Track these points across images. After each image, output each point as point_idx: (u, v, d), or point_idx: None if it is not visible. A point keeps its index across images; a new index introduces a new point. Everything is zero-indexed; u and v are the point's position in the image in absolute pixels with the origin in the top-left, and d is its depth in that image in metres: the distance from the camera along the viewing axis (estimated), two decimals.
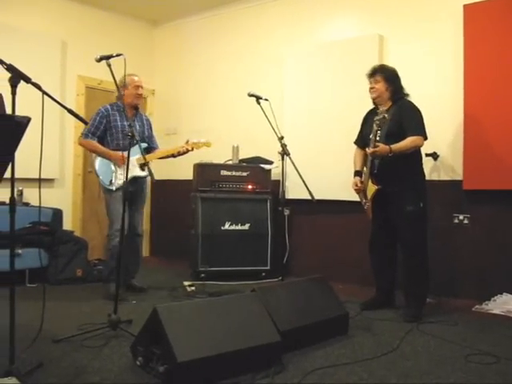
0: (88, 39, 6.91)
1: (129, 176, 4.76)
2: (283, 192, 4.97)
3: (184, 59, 7.48)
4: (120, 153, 4.86)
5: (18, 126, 2.19)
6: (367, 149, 4.29)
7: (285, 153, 4.68)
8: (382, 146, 4.16)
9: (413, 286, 4.36)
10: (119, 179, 4.88)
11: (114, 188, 4.88)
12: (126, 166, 4.02)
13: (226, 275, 5.75)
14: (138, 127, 5.01)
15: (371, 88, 4.48)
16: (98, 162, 4.97)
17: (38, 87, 2.51)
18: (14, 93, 2.40)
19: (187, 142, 5.05)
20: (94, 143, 4.96)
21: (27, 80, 2.48)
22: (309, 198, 4.54)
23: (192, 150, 5.03)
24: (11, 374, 2.64)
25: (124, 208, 3.85)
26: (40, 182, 2.79)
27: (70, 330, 3.72)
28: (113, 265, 4.86)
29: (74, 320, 4.06)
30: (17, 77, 2.43)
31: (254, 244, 5.94)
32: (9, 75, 2.47)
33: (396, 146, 4.18)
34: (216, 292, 5.08)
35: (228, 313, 3.14)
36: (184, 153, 5.02)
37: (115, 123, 4.97)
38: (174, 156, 5.06)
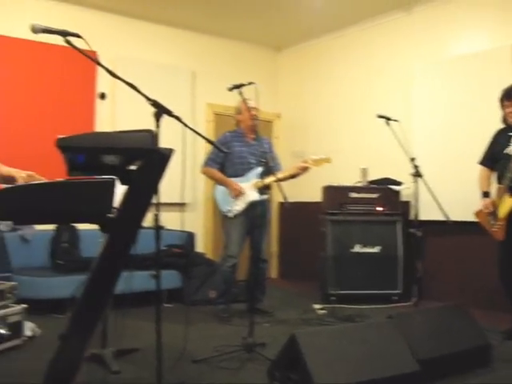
0: (215, 68, 7.20)
1: (246, 201, 4.89)
2: (416, 214, 4.83)
3: (308, 82, 7.54)
4: (237, 184, 4.94)
5: (163, 158, 2.30)
6: None
7: (418, 174, 4.57)
8: None
9: None
10: (237, 206, 4.95)
11: (231, 215, 4.98)
12: (241, 196, 4.05)
13: (357, 298, 5.66)
14: (257, 151, 5.05)
15: (510, 112, 4.28)
16: (218, 189, 5.11)
17: (179, 119, 2.62)
18: (158, 126, 2.52)
19: (304, 161, 4.99)
20: (214, 171, 5.10)
21: (169, 113, 2.60)
22: (442, 219, 4.39)
23: (306, 169, 4.92)
24: None
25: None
26: (177, 206, 2.90)
27: (207, 351, 3.83)
28: (223, 288, 5.06)
29: (211, 341, 4.17)
30: (161, 111, 2.55)
31: (384, 267, 5.82)
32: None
33: None
34: (347, 316, 5.01)
35: (365, 340, 3.09)
36: (302, 172, 4.94)
37: (233, 149, 5.07)
38: (292, 177, 4.98)
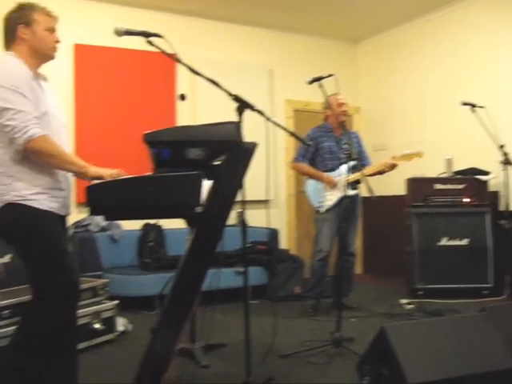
0: (292, 64, 7.18)
1: (338, 196, 4.89)
2: (507, 204, 4.64)
3: (388, 72, 7.39)
4: (331, 176, 4.94)
5: (248, 152, 2.31)
6: None
7: (508, 162, 4.38)
8: None
9: None
10: (329, 200, 4.96)
11: (323, 210, 4.98)
12: (336, 188, 4.05)
13: (445, 293, 5.49)
14: (346, 145, 5.01)
15: None
16: (309, 184, 5.12)
17: (262, 113, 2.62)
18: (240, 121, 2.53)
19: (393, 157, 4.96)
20: (305, 166, 5.11)
21: (252, 108, 2.60)
22: None
23: (395, 166, 4.90)
24: None
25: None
26: (262, 203, 2.91)
27: (295, 346, 3.83)
28: (312, 282, 5.08)
29: (298, 336, 4.17)
30: (243, 105, 2.57)
31: (473, 260, 5.61)
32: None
33: None
34: (436, 310, 4.87)
35: (457, 334, 2.97)
36: (390, 169, 4.91)
37: (322, 144, 5.06)
38: (379, 173, 4.96)
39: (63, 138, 2.65)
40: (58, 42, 2.70)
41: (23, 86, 2.46)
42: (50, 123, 2.55)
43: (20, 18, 2.61)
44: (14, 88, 2.42)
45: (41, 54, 2.64)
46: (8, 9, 2.68)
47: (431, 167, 5.96)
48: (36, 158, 2.48)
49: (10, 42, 2.64)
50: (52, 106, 2.67)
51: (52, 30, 2.67)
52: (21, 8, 2.64)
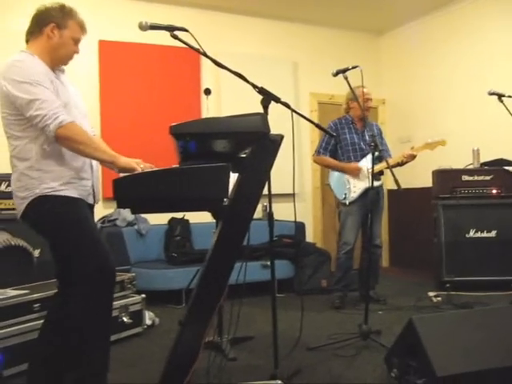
0: (316, 57, 7.15)
1: (362, 188, 4.87)
2: None
3: (413, 64, 7.31)
4: (353, 164, 4.93)
5: (274, 143, 2.30)
6: None
7: None
8: None
9: None
10: (353, 192, 4.95)
11: (347, 202, 4.97)
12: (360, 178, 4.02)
13: (473, 285, 5.43)
14: (367, 137, 4.99)
15: None
16: (333, 177, 5.12)
17: (288, 106, 2.61)
18: (266, 113, 2.53)
19: (412, 148, 4.92)
20: (327, 159, 5.11)
21: (277, 100, 2.60)
22: None
23: (414, 157, 4.85)
24: (277, 377, 2.87)
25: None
26: (294, 196, 2.90)
27: (322, 339, 3.84)
28: (338, 275, 5.07)
29: (325, 329, 4.17)
30: (269, 98, 2.56)
31: (502, 252, 5.54)
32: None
33: None
34: (464, 303, 4.83)
35: (487, 326, 2.94)
36: (409, 160, 4.87)
37: (344, 136, 5.05)
38: (400, 165, 4.89)
39: (85, 127, 2.68)
40: (76, 53, 2.76)
41: (43, 79, 2.50)
42: (71, 113, 2.58)
43: (56, 17, 2.64)
44: (35, 82, 2.46)
45: (57, 57, 2.68)
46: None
47: (458, 159, 5.90)
48: (65, 145, 2.51)
49: (34, 33, 2.67)
50: (72, 96, 2.72)
51: (77, 41, 2.72)
52: (61, 9, 2.68)
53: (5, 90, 2.49)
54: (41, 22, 2.65)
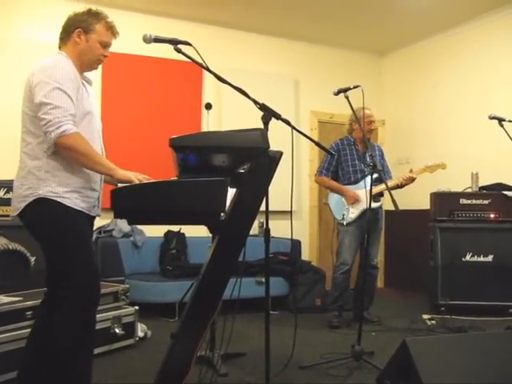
0: (317, 75, 7.19)
1: (360, 209, 4.90)
2: None
3: (413, 86, 7.34)
4: (353, 191, 4.95)
5: (273, 160, 2.30)
6: None
7: None
8: None
9: None
10: (351, 213, 4.96)
11: (345, 223, 4.97)
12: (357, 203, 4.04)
13: (468, 310, 5.40)
14: (368, 159, 4.99)
15: None
16: (332, 197, 5.12)
17: (288, 123, 2.62)
18: (266, 129, 2.53)
19: (411, 170, 4.95)
20: (328, 180, 5.13)
21: (278, 117, 2.60)
22: None
23: (413, 179, 4.89)
24: None
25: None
26: (291, 214, 2.90)
27: (314, 358, 3.81)
28: (335, 295, 5.05)
29: (318, 348, 4.14)
30: (269, 114, 2.56)
31: (498, 277, 5.50)
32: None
33: None
34: (459, 327, 4.79)
35: (482, 351, 2.92)
36: (408, 183, 4.91)
37: (345, 158, 5.07)
38: (399, 187, 4.92)
39: (98, 140, 2.70)
40: (105, 56, 2.76)
41: (67, 83, 2.51)
42: (91, 124, 2.62)
43: (81, 22, 2.67)
44: (55, 84, 2.47)
45: (85, 62, 2.71)
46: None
47: (456, 182, 5.90)
48: (66, 154, 2.51)
49: (64, 40, 2.71)
50: (95, 109, 2.75)
51: (105, 45, 2.73)
52: (87, 13, 2.70)
53: (30, 85, 2.51)
54: (68, 28, 2.69)
